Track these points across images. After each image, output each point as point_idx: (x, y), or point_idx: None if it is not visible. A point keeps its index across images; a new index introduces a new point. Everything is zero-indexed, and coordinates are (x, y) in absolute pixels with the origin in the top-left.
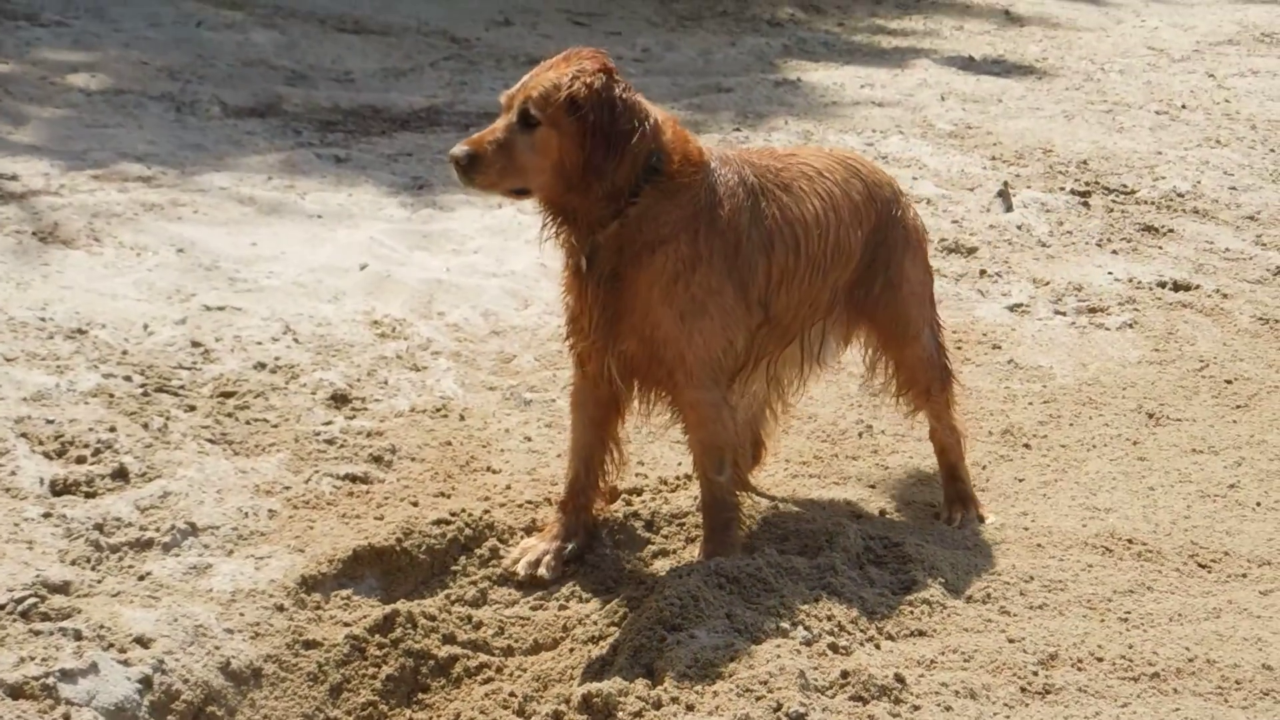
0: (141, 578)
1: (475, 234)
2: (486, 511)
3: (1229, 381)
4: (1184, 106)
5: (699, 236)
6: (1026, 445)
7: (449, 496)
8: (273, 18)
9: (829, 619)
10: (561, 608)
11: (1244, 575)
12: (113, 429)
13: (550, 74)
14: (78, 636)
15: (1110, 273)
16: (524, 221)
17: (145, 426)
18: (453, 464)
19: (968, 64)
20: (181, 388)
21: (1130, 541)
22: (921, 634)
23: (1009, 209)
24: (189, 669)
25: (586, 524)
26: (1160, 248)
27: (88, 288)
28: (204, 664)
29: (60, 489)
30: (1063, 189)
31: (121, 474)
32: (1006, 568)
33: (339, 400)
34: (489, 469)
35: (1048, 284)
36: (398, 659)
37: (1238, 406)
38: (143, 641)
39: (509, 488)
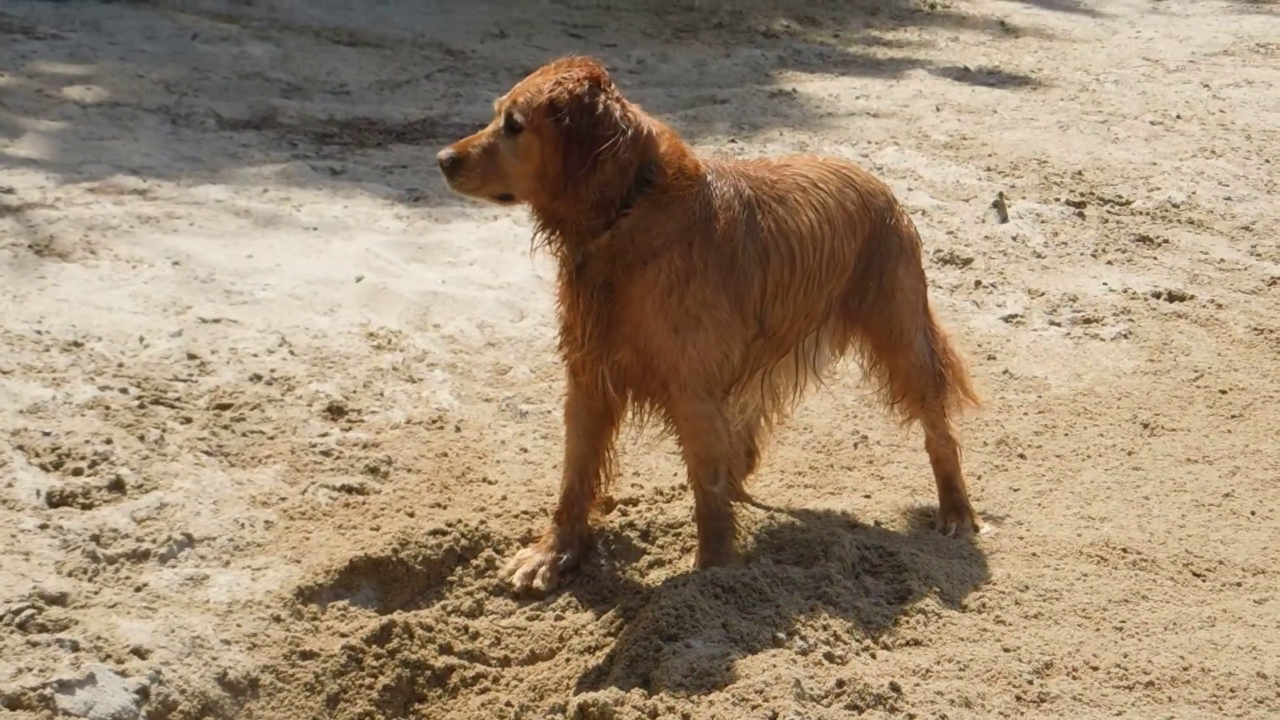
0: (138, 589)
1: (471, 245)
2: (483, 522)
3: (1224, 391)
4: (1179, 117)
5: (693, 249)
6: (1021, 455)
7: (445, 507)
8: (268, 30)
9: (824, 628)
10: (558, 618)
11: (1239, 584)
12: (109, 441)
13: (538, 79)
14: (75, 648)
15: (1105, 283)
16: (519, 233)
17: (141, 439)
18: (449, 475)
19: (963, 75)
20: (178, 400)
21: (1125, 551)
22: (917, 643)
23: (1004, 220)
24: (186, 679)
25: (582, 534)
26: (1155, 258)
27: (84, 300)
28: (201, 675)
29: (57, 500)
30: (1058, 200)
31: (118, 485)
32: (1002, 577)
33: (335, 412)
34: (485, 480)
35: (1043, 294)
36: (394, 669)
37: (1232, 416)
38: (140, 652)
39: (505, 498)
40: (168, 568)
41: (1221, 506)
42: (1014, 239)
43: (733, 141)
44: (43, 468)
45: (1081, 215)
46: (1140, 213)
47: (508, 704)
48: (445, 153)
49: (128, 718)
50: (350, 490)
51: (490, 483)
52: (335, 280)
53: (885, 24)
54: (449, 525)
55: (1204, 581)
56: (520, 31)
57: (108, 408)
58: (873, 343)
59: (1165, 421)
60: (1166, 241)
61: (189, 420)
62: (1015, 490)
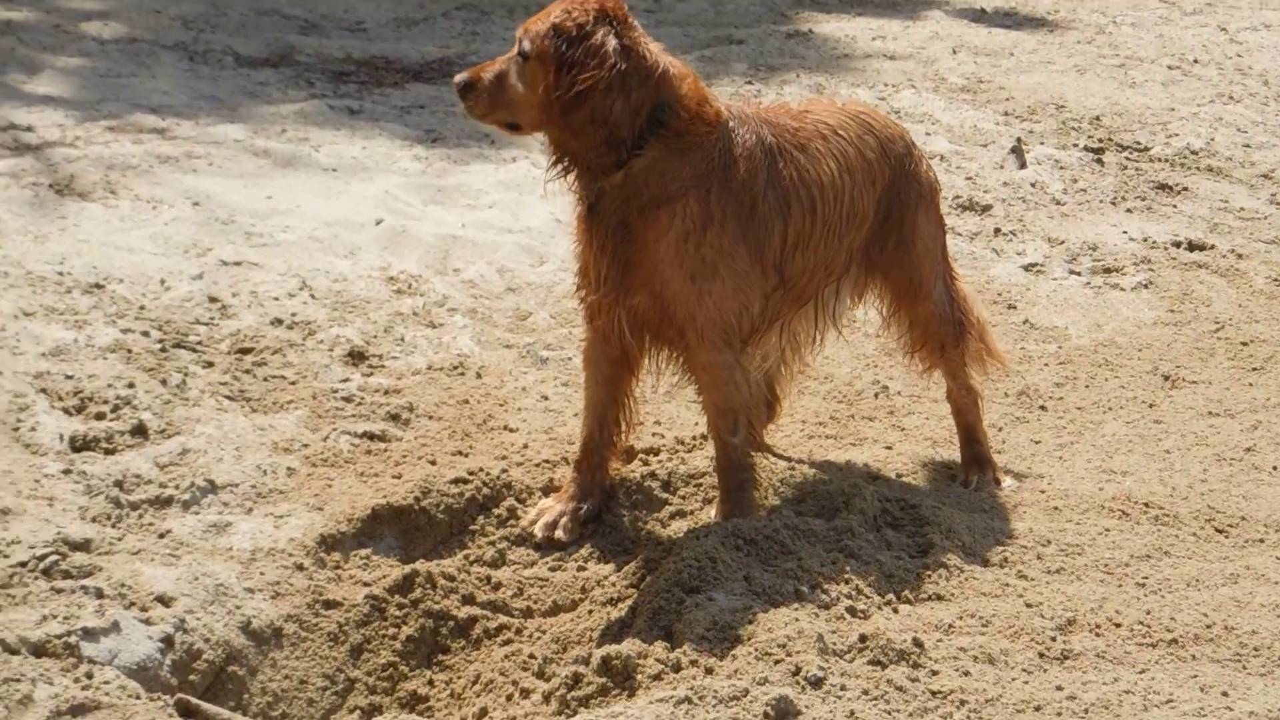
0: (162, 535)
1: (490, 188)
2: (504, 470)
3: (1245, 343)
4: (1196, 61)
5: (711, 196)
6: (1043, 407)
7: (466, 455)
8: None
9: (846, 582)
10: (580, 569)
11: (1261, 540)
12: (131, 385)
13: (554, 7)
14: (99, 595)
15: (1125, 232)
16: (537, 176)
17: (164, 383)
18: (470, 422)
19: (979, 16)
20: (199, 343)
21: (1147, 505)
22: (939, 598)
23: (1023, 166)
24: (210, 628)
25: (602, 484)
26: (1175, 206)
27: (104, 241)
28: (225, 623)
29: (80, 445)
30: (1076, 145)
31: (141, 430)
32: (1024, 531)
33: (356, 357)
34: (506, 428)
35: (1062, 243)
36: (418, 620)
37: (1254, 369)
38: (164, 600)
39: (526, 446)
40: (191, 514)
41: (1243, 461)
42: (1033, 185)
43: (749, 83)
44: (65, 411)
45: (1100, 162)
46: (1159, 159)
47: (531, 655)
48: (460, 76)
49: (153, 666)
50: (372, 437)
51: (511, 430)
52: (355, 223)
53: None
54: (470, 474)
55: (1226, 537)
56: None
57: (130, 351)
58: (892, 291)
59: (1186, 374)
60: (1186, 189)
61: (210, 364)
62: (1036, 443)
